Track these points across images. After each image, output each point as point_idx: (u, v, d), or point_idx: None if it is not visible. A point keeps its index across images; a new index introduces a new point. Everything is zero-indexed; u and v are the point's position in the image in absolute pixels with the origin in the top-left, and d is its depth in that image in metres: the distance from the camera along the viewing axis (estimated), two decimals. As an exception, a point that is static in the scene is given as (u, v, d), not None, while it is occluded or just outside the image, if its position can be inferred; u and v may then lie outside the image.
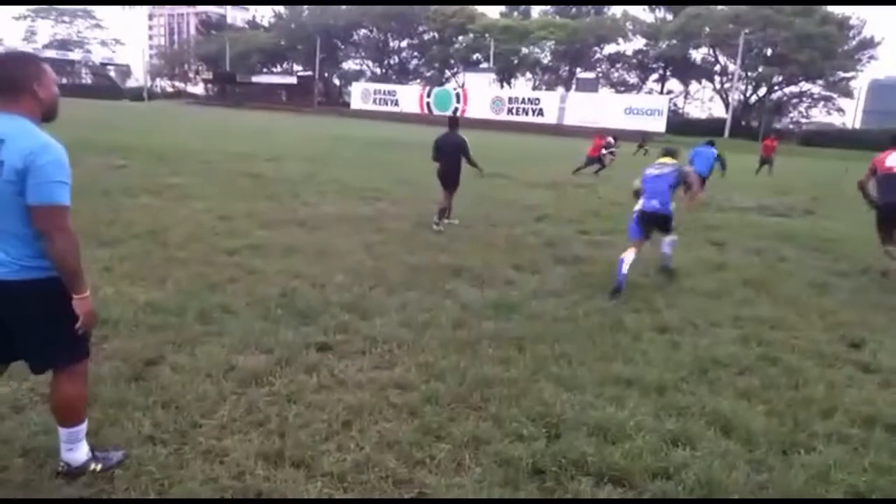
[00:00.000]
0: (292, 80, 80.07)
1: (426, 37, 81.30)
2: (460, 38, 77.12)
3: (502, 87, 73.77)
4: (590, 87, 62.05)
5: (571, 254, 7.29)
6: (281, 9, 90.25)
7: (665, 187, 6.08)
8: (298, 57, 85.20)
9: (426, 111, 64.96)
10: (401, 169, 15.43)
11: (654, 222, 6.20)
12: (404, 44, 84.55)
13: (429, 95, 66.87)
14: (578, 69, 72.72)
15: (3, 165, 2.12)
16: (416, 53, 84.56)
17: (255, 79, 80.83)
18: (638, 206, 6.19)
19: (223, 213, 8.40)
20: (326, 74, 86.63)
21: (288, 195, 10.42)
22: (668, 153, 6.53)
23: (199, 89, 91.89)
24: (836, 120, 66.14)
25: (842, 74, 60.68)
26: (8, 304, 2.25)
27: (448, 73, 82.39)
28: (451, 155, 8.72)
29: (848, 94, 62.77)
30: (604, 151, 19.73)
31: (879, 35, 73.75)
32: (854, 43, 60.46)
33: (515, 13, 79.33)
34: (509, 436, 3.01)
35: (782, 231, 10.00)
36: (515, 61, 73.75)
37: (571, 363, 3.95)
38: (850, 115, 71.35)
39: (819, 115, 66.22)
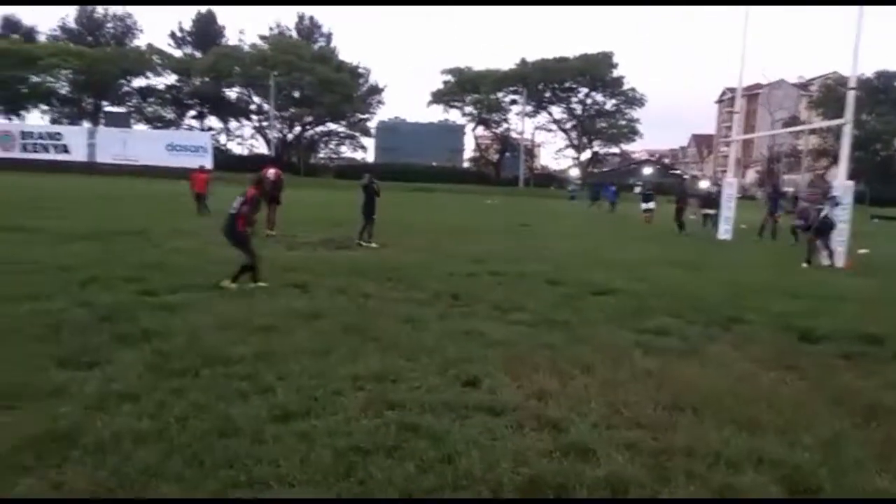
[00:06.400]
0: None
1: None
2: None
3: (10, 119, 61.24)
4: (121, 121, 56.77)
5: (139, 328, 5.67)
6: None
7: None
8: None
9: None
10: None
11: None
12: None
13: None
14: (105, 102, 65.70)
15: None
16: None
17: None
18: None
19: None
20: None
21: None
22: None
23: None
24: (359, 156, 76.04)
25: (359, 116, 69.84)
26: None
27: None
28: None
29: (367, 133, 72.80)
30: None
31: (383, 82, 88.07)
32: (365, 89, 70.36)
33: (14, 35, 66.68)
34: None
35: (354, 265, 10.16)
36: (24, 90, 61.90)
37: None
38: (370, 151, 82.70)
39: (347, 152, 74.96)
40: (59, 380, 4.35)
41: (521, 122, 67.79)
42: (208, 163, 49.87)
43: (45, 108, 65.96)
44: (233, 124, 72.42)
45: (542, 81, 67.15)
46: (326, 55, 67.77)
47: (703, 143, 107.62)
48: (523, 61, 68.01)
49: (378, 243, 13.09)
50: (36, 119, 64.46)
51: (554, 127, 72.47)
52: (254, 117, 70.12)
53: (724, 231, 18.81)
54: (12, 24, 70.01)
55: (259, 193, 8.29)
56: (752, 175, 70.86)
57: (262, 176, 9.04)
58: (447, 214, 24.41)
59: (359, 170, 58.62)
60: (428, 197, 39.21)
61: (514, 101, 69.80)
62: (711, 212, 21.02)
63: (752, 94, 78.56)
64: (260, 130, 70.01)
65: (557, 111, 71.50)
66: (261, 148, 68.82)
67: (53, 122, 62.83)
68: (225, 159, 56.60)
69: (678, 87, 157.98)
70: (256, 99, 67.49)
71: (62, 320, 5.88)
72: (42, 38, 68.92)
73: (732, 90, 22.01)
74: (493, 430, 3.78)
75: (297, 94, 64.96)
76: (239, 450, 3.36)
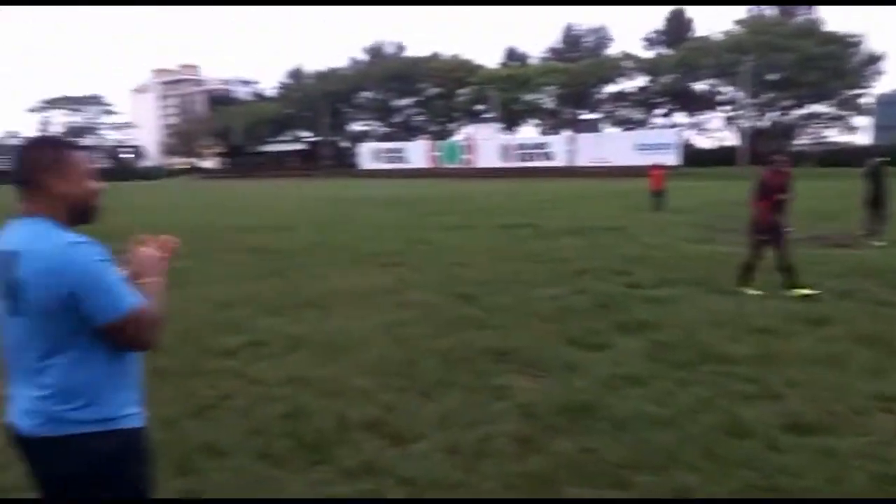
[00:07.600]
0: (301, 146, 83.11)
1: (428, 93, 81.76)
2: (462, 91, 77.29)
3: (508, 134, 73.72)
4: (591, 127, 62.03)
5: (633, 318, 6.05)
6: (286, 79, 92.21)
7: None
8: (305, 123, 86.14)
9: (435, 165, 65.31)
10: (415, 229, 14.43)
11: None
12: (406, 102, 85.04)
13: (437, 150, 67.51)
14: (582, 110, 72.65)
15: (22, 285, 1.59)
16: (419, 110, 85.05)
17: (264, 148, 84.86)
18: None
19: (222, 299, 7.32)
20: (334, 138, 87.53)
21: (295, 269, 9.35)
22: None
23: (211, 163, 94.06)
24: (848, 138, 64.77)
25: (851, 92, 59.71)
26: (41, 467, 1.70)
27: (452, 125, 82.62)
28: None
29: (861, 111, 61.65)
30: None
31: (881, 49, 72.58)
32: (859, 59, 59.65)
33: (514, 62, 79.78)
34: None
35: (858, 265, 8.73)
36: (520, 108, 73.59)
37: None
38: (863, 132, 69.55)
39: (833, 135, 64.90)
40: (571, 357, 4.94)
41: None
42: (674, 160, 50.24)
43: (534, 121, 77.15)
44: (700, 118, 70.85)
45: None
46: (809, 28, 60.07)
47: None
48: None
49: (887, 241, 10.95)
50: (528, 132, 75.91)
51: None
52: (723, 108, 67.24)
53: None
54: (511, 53, 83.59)
55: (774, 185, 7.25)
56: None
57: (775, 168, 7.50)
58: None
59: (850, 155, 50.10)
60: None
61: None
62: None
63: None
64: (729, 121, 66.70)
65: None
66: (729, 140, 65.50)
67: (543, 133, 72.54)
68: (692, 154, 55.91)
69: None
70: (726, 89, 64.49)
71: (564, 305, 6.71)
72: (534, 61, 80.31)
73: None
74: None
75: (773, 77, 59.50)
76: (752, 453, 3.23)
